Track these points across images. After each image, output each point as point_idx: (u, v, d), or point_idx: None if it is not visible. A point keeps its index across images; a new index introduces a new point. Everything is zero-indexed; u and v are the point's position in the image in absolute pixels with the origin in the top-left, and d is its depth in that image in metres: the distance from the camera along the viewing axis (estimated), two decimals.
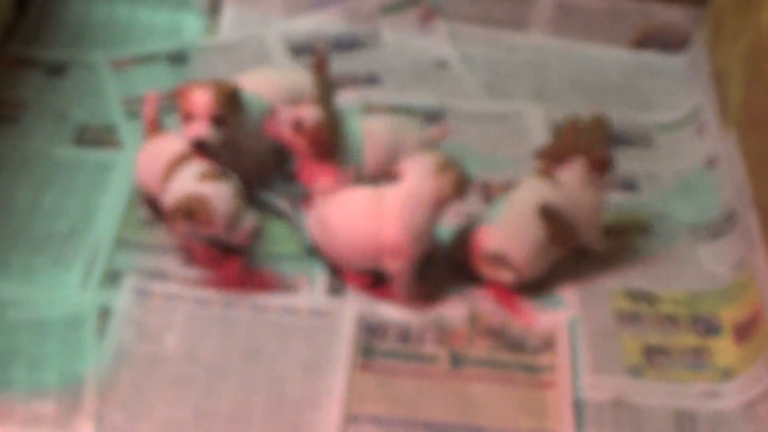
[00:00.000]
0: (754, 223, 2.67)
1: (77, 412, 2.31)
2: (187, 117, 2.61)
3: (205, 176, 2.51)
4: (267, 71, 3.00)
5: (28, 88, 3.18)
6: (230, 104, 2.62)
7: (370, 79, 3.33)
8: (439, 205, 2.48)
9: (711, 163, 3.06)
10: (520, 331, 2.55)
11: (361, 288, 2.60)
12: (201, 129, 2.59)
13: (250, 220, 2.51)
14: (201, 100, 2.59)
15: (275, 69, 3.15)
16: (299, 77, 2.91)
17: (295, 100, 2.76)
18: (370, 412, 2.36)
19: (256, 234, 2.52)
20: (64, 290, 2.58)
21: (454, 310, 2.58)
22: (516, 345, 2.52)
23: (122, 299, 2.55)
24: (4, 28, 3.37)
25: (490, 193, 2.92)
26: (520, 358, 2.50)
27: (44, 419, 2.29)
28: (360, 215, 2.52)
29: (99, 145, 3.01)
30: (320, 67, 2.91)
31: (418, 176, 2.48)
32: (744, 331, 2.57)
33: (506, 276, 2.58)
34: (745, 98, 2.90)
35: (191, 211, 2.46)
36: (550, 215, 2.58)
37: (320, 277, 2.65)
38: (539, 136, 3.13)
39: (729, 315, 2.63)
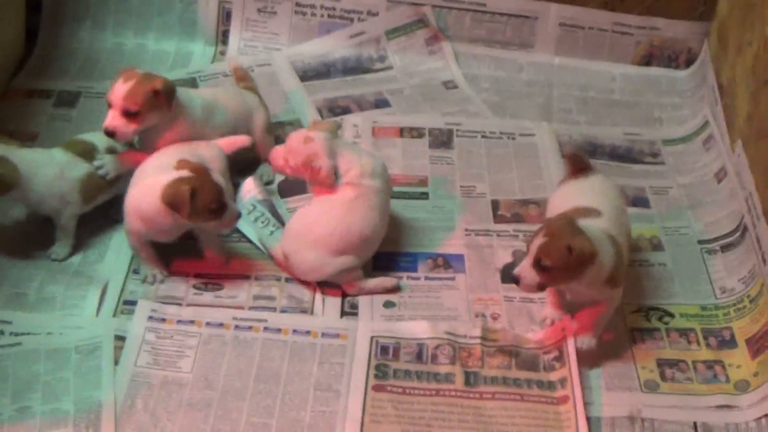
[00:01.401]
0: (764, 234, 2.67)
1: None
2: (108, 104, 2.71)
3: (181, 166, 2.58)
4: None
5: (39, 119, 3.21)
6: (149, 101, 2.67)
7: (378, 102, 3.35)
8: None
9: (719, 176, 3.06)
10: (532, 349, 2.55)
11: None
12: (110, 120, 2.69)
13: (233, 205, 2.62)
14: (118, 91, 2.68)
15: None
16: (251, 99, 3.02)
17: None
18: None
19: (237, 219, 2.64)
20: (79, 318, 2.59)
21: (466, 329, 2.58)
22: (529, 362, 2.52)
23: (136, 326, 2.56)
24: (14, 61, 3.41)
25: (497, 208, 2.95)
26: (533, 375, 2.50)
27: None
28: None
29: None
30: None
31: None
32: (758, 344, 2.57)
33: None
34: (751, 110, 2.91)
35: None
36: None
37: (333, 299, 2.66)
38: (547, 154, 3.14)
39: (742, 328, 2.63)
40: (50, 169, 2.69)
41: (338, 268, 2.64)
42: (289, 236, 2.69)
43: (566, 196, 2.59)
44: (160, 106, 2.69)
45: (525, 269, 2.32)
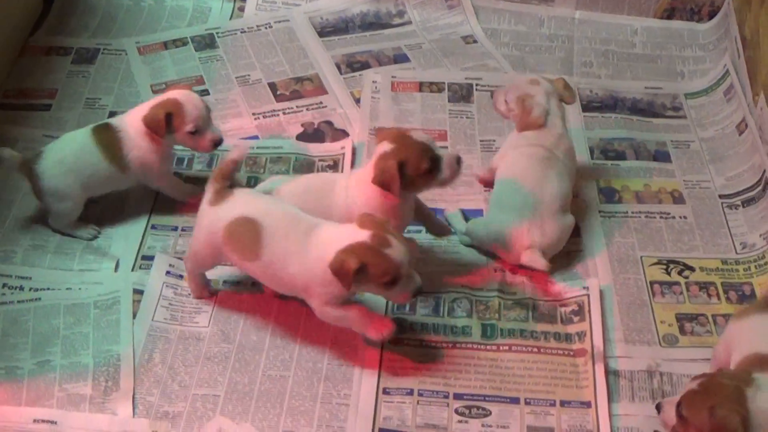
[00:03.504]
0: None
1: (114, 392, 2.33)
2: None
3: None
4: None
5: (58, 76, 3.21)
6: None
7: (398, 57, 3.32)
8: None
9: (741, 128, 3.03)
10: (550, 302, 2.55)
11: None
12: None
13: (214, 129, 2.64)
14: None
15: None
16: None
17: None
18: (403, 385, 2.37)
19: (217, 143, 2.64)
20: (98, 273, 2.61)
21: (484, 283, 2.57)
22: (547, 315, 2.52)
23: (154, 281, 2.57)
24: (32, 18, 3.41)
25: None
26: (550, 327, 2.49)
27: (82, 399, 2.32)
28: None
29: None
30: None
31: None
32: None
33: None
34: None
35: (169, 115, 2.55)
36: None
37: None
38: (570, 110, 3.11)
39: (763, 284, 2.61)
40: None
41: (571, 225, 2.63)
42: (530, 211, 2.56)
43: (757, 333, 2.15)
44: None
45: (669, 404, 2.11)
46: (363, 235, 2.18)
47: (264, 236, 2.28)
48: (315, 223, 2.28)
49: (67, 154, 2.64)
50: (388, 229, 2.20)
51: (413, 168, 2.36)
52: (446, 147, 2.99)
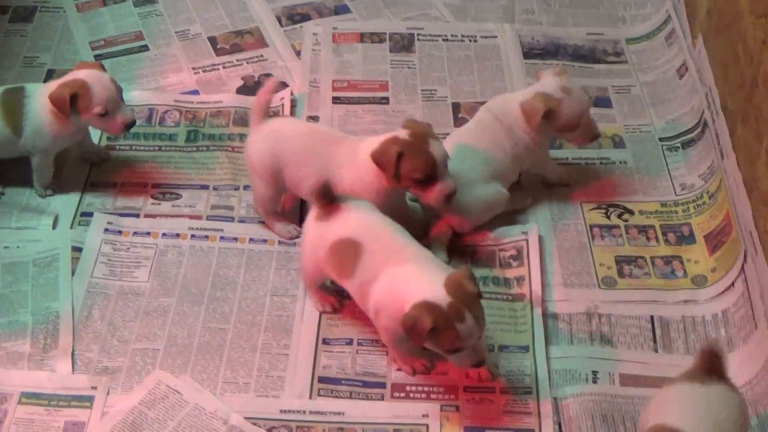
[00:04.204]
0: (723, 130, 2.66)
1: (53, 349, 2.33)
2: None
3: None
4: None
5: None
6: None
7: (338, 8, 3.31)
8: None
9: (681, 71, 3.04)
10: (489, 246, 2.56)
11: None
12: None
13: (125, 111, 2.57)
14: None
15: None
16: None
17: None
18: (343, 335, 2.39)
19: (129, 126, 2.58)
20: (36, 231, 2.60)
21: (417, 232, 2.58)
22: (485, 260, 2.53)
23: (92, 238, 2.57)
24: None
25: (458, 111, 2.94)
26: (489, 272, 2.52)
27: (20, 357, 2.32)
28: None
29: None
30: None
31: None
32: (716, 240, 2.57)
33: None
34: (711, 5, 2.88)
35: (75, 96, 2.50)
36: None
37: (291, 207, 2.66)
38: (509, 56, 3.12)
39: (701, 224, 2.64)
40: None
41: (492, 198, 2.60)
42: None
43: (669, 404, 2.02)
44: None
45: None
46: (442, 296, 2.08)
47: (362, 258, 2.23)
48: (407, 258, 2.20)
49: None
50: (468, 296, 2.10)
51: (407, 168, 2.35)
52: (387, 98, 2.99)
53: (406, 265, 2.18)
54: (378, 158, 2.35)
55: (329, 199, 2.29)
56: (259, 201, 2.58)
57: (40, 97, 2.58)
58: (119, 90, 2.58)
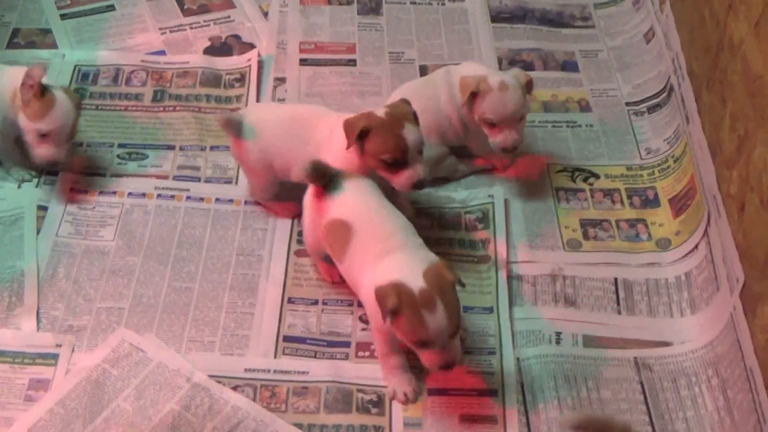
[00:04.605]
0: (689, 95, 2.68)
1: (18, 307, 2.33)
2: None
3: None
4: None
5: None
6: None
7: None
8: None
9: (648, 36, 3.06)
10: (456, 209, 2.57)
11: None
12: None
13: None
14: None
15: None
16: None
17: None
18: (308, 295, 2.40)
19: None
20: (1, 190, 2.58)
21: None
22: (451, 222, 2.55)
23: (58, 197, 2.56)
24: None
25: (425, 73, 2.93)
26: (455, 234, 2.53)
27: None
28: None
29: (33, 46, 2.99)
30: None
31: None
32: (680, 203, 2.59)
33: None
34: None
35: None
36: None
37: None
38: (477, 19, 3.13)
39: (665, 188, 2.66)
40: None
41: None
42: None
43: None
44: None
45: None
46: (418, 282, 2.02)
47: (352, 242, 2.18)
48: (396, 246, 2.14)
49: None
50: (444, 287, 2.03)
51: (373, 147, 2.29)
52: (354, 60, 2.99)
53: (392, 254, 2.12)
54: (345, 127, 2.30)
55: (323, 177, 2.26)
56: (256, 193, 2.56)
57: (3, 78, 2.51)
58: (74, 126, 2.52)
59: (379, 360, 2.23)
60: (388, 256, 2.11)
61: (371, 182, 2.30)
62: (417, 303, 1.99)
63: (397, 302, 1.99)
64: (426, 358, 2.05)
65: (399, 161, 2.29)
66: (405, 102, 2.37)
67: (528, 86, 2.54)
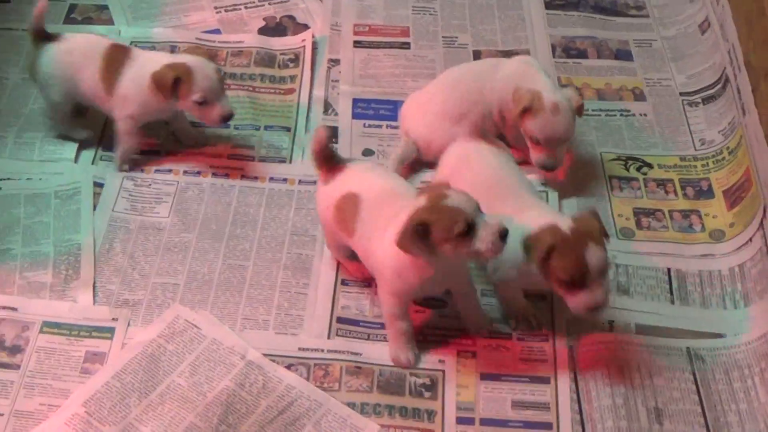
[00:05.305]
0: (745, 86, 2.66)
1: (74, 280, 2.35)
2: None
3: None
4: None
5: None
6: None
7: None
8: None
9: (703, 27, 3.04)
10: None
11: None
12: None
13: (224, 103, 2.50)
14: None
15: None
16: None
17: None
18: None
19: (226, 118, 2.52)
20: (58, 164, 2.60)
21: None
22: None
23: (115, 173, 2.58)
24: None
25: (479, 59, 2.93)
26: None
27: (42, 287, 2.34)
28: None
29: (89, 22, 3.01)
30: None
31: None
32: (734, 195, 2.58)
33: None
34: None
35: (177, 79, 2.45)
36: None
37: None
38: (531, 4, 3.12)
39: (720, 179, 2.64)
40: None
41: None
42: None
43: None
44: None
45: None
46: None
47: (361, 210, 2.18)
48: (403, 207, 2.10)
49: (73, 50, 2.58)
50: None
51: (552, 263, 2.11)
52: (408, 44, 2.99)
53: (401, 214, 2.09)
54: (531, 241, 2.12)
55: (329, 160, 2.26)
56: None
57: (142, 65, 2.52)
58: (221, 81, 2.51)
59: (386, 324, 2.25)
60: (400, 215, 2.07)
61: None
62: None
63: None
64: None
65: (577, 282, 2.13)
66: (593, 215, 2.17)
67: (578, 110, 2.52)
